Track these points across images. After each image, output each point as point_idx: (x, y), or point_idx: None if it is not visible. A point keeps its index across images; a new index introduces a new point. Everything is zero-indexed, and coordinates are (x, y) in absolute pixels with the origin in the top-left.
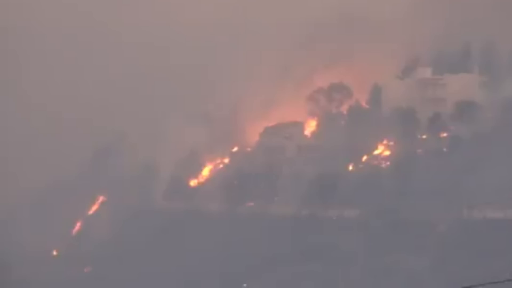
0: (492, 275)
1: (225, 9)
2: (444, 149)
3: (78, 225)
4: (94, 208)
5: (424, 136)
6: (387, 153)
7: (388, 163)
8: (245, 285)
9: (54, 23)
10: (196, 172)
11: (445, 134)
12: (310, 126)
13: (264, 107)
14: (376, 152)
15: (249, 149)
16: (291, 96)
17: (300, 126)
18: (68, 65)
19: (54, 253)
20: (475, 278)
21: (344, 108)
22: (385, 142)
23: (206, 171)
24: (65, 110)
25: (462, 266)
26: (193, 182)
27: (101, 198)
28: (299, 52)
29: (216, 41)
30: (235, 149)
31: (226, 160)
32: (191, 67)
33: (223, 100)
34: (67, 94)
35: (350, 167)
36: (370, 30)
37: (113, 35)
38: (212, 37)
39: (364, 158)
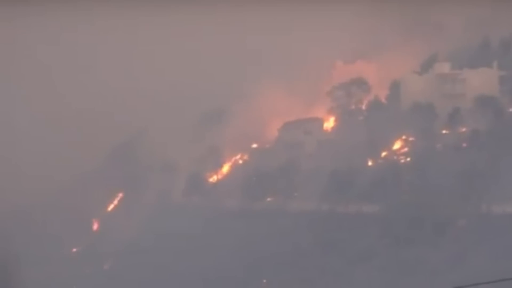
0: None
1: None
2: (464, 145)
3: (95, 223)
4: (112, 205)
5: (443, 132)
6: (406, 148)
7: (407, 158)
8: (265, 280)
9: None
10: (216, 169)
11: (464, 130)
12: (329, 122)
13: (283, 102)
14: (395, 147)
15: (268, 145)
16: (310, 92)
17: (319, 121)
18: (84, 62)
19: (73, 250)
20: (494, 274)
21: (363, 104)
22: (404, 137)
23: (225, 168)
24: (83, 107)
25: (480, 262)
26: (212, 179)
27: (119, 195)
28: (318, 47)
29: (233, 36)
30: (254, 145)
31: (245, 157)
32: (209, 62)
33: (242, 96)
34: (85, 91)
35: (369, 163)
36: (389, 25)
37: (129, 34)
38: (228, 33)
39: (383, 153)
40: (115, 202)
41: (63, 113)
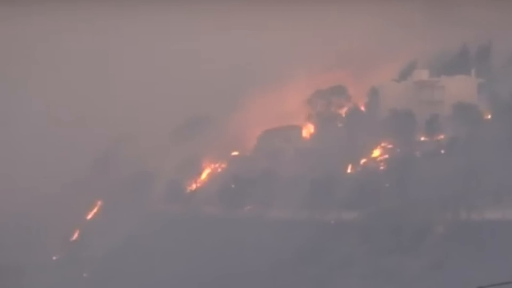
0: (492, 277)
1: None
2: (442, 151)
3: (76, 230)
4: (93, 212)
5: (421, 139)
6: (384, 155)
7: (385, 165)
8: None
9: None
10: (194, 176)
11: (442, 137)
12: (308, 129)
13: (262, 110)
14: (374, 155)
15: (247, 152)
16: (288, 100)
17: (298, 129)
18: (69, 68)
19: (53, 258)
20: (474, 281)
21: (342, 111)
22: (382, 144)
23: (204, 175)
24: (64, 114)
25: (460, 269)
26: (191, 186)
27: (99, 203)
28: (297, 55)
29: (216, 44)
30: (233, 153)
31: (224, 164)
32: (188, 71)
33: (221, 104)
34: (66, 97)
35: (348, 170)
36: (368, 33)
37: (115, 39)
38: (211, 41)
39: (362, 161)
40: (97, 209)
41: (42, 119)
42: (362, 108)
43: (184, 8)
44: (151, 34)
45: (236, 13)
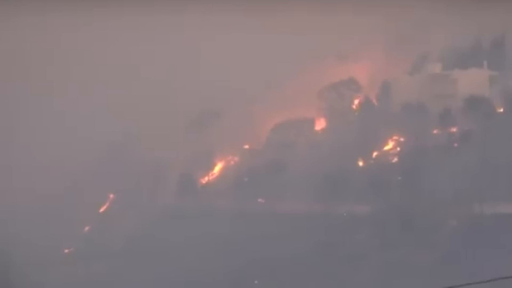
0: (505, 270)
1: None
2: (455, 145)
3: (88, 224)
4: (105, 206)
5: (434, 132)
6: (397, 149)
7: (398, 159)
8: (256, 281)
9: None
10: (207, 170)
11: (455, 130)
12: (321, 123)
13: (274, 103)
14: (386, 148)
15: (259, 146)
16: (301, 93)
17: (310, 122)
18: (85, 62)
19: (65, 251)
20: (487, 275)
21: (354, 104)
22: (395, 138)
23: (217, 169)
24: (75, 108)
25: (473, 262)
26: (203, 180)
27: (112, 197)
28: (309, 48)
29: (226, 38)
30: (245, 146)
31: (237, 158)
32: (201, 64)
33: (234, 97)
34: (78, 92)
35: (360, 163)
36: (381, 26)
37: (129, 35)
38: (219, 36)
39: (374, 154)
40: (107, 203)
41: (55, 113)
42: (375, 102)
43: (199, 6)
44: (166, 31)
45: (246, 10)
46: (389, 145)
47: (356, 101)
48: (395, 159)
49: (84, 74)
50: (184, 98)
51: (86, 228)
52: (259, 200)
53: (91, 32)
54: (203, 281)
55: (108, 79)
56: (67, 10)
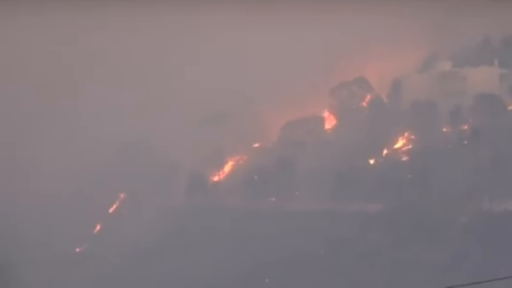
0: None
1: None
2: (465, 142)
3: (100, 223)
4: (116, 206)
5: (444, 130)
6: (407, 146)
7: (408, 156)
8: (267, 280)
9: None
10: (218, 168)
11: (465, 127)
12: (331, 121)
13: (284, 102)
14: (396, 146)
15: (270, 144)
16: (311, 91)
17: (320, 120)
18: (84, 64)
19: (77, 250)
20: (497, 273)
21: (365, 102)
22: (405, 135)
23: (227, 167)
24: (75, 108)
25: (484, 260)
26: (214, 179)
27: (122, 196)
28: (320, 47)
29: (233, 38)
30: (256, 145)
31: (247, 156)
32: (211, 64)
33: (244, 96)
34: (78, 92)
35: (371, 161)
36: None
37: (131, 36)
38: (228, 35)
39: (385, 152)
40: (119, 203)
41: (67, 114)
42: (385, 100)
43: (213, 5)
44: (178, 32)
45: (257, 10)
46: (400, 143)
47: (366, 100)
48: (406, 157)
49: (84, 74)
50: (195, 98)
51: (99, 228)
52: (271, 198)
53: (95, 32)
54: (216, 278)
55: (111, 79)
56: (67, 10)
